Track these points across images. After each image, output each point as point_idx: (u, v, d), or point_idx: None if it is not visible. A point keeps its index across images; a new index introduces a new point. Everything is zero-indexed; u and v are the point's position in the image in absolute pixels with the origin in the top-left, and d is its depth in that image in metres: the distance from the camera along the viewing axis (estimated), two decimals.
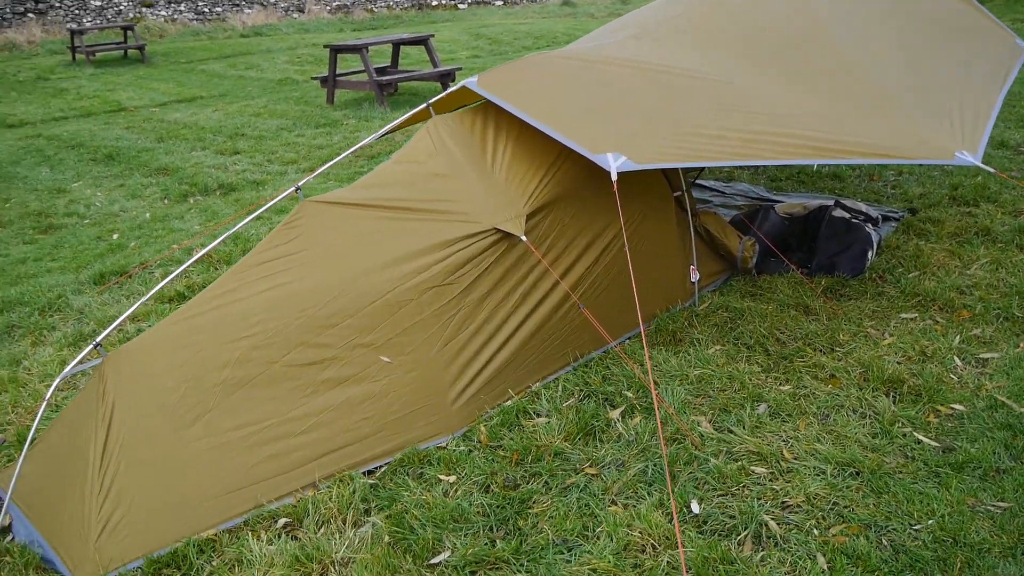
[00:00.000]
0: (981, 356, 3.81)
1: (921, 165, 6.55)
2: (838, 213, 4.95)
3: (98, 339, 3.10)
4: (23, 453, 3.08)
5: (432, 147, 3.79)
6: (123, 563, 2.75)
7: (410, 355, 3.39)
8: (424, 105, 3.99)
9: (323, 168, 4.04)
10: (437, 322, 3.45)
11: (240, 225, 4.04)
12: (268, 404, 3.12)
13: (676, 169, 4.36)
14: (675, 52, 4.55)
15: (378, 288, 3.39)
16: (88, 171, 8.56)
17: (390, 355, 3.36)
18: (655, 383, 3.66)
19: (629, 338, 4.12)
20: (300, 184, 3.67)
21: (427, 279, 3.45)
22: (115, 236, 6.36)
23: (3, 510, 3.03)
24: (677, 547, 2.67)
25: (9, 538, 2.99)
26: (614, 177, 3.37)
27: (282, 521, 2.92)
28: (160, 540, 2.81)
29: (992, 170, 3.70)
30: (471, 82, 3.98)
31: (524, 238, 3.59)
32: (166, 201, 7.28)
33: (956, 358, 3.79)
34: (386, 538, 2.79)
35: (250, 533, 2.87)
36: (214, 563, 2.76)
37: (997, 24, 5.75)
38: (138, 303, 3.41)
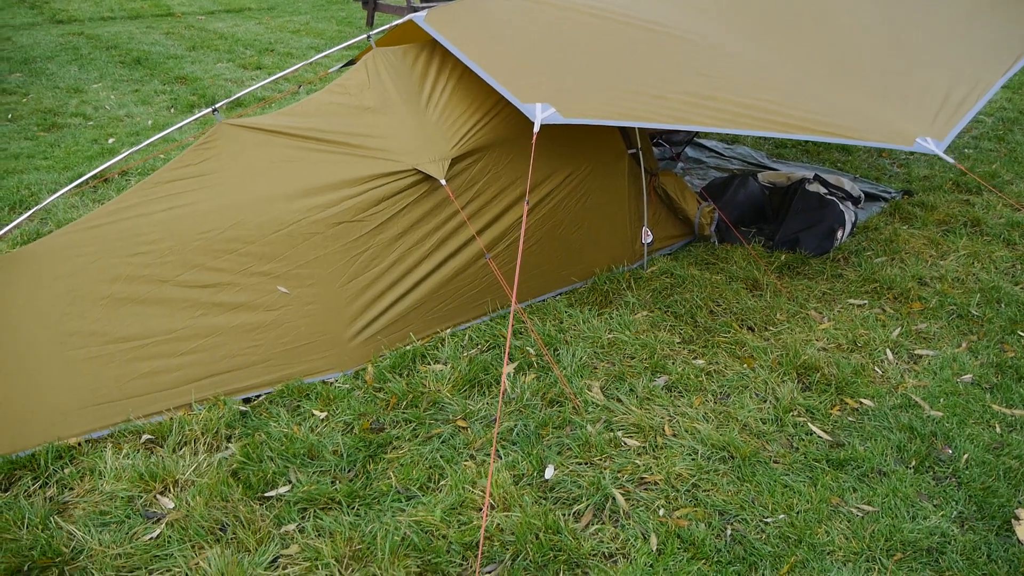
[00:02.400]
0: (916, 352, 3.63)
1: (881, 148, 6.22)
2: (812, 188, 4.73)
3: None
4: None
5: (366, 80, 3.71)
6: None
7: (310, 288, 3.37)
8: (363, 36, 3.89)
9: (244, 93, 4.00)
10: (343, 258, 3.42)
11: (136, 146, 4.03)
12: (153, 321, 3.15)
13: (634, 127, 4.20)
14: (652, 3, 4.34)
15: (284, 217, 3.36)
16: (111, 73, 8.66)
17: (289, 286, 3.35)
18: (562, 344, 3.59)
19: (561, 293, 4.04)
20: (217, 106, 3.62)
21: (336, 213, 3.41)
22: (111, 140, 6.45)
23: None
24: (513, 510, 2.64)
25: None
26: (536, 128, 3.26)
27: (145, 438, 2.97)
28: (23, 442, 2.89)
29: (951, 160, 3.48)
30: (418, 16, 3.87)
31: (444, 182, 3.51)
32: (172, 111, 7.34)
33: (888, 351, 3.63)
34: (234, 466, 2.82)
35: (110, 445, 2.93)
36: (66, 470, 2.82)
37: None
38: (34, 209, 3.45)
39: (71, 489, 2.77)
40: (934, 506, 2.73)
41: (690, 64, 3.75)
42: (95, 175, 5.28)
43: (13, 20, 11.72)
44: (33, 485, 2.79)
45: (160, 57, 9.38)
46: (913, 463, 2.92)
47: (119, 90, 8.00)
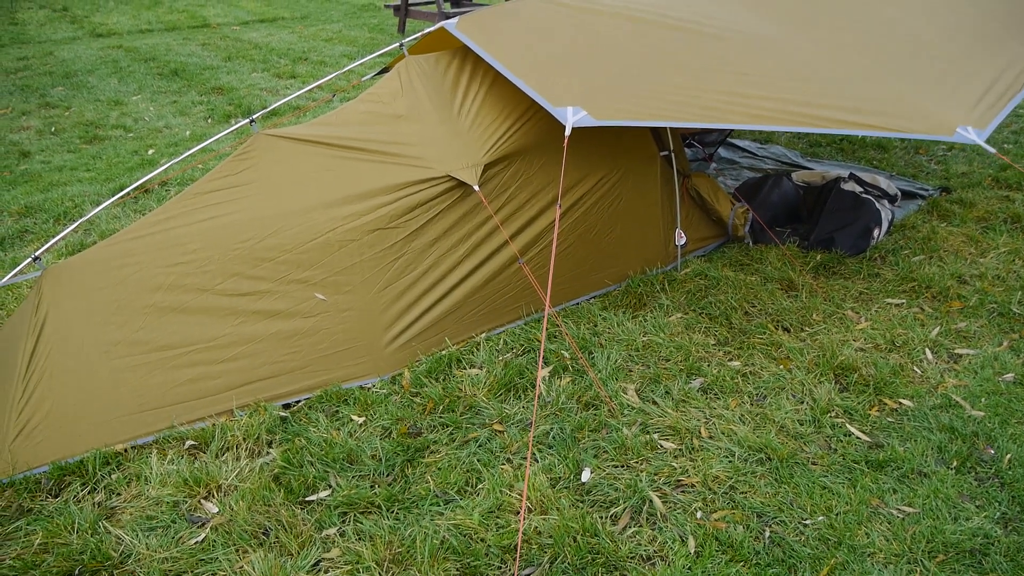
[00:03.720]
0: (956, 351, 3.59)
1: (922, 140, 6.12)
2: (848, 187, 4.69)
3: (37, 253, 3.24)
4: None
5: (399, 88, 3.75)
6: (31, 466, 2.92)
7: (347, 295, 3.42)
8: (395, 44, 3.93)
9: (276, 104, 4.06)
10: (378, 265, 3.46)
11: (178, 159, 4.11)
12: (195, 329, 3.22)
13: (666, 128, 4.20)
14: (684, 1, 4.34)
15: (320, 226, 3.42)
16: (150, 85, 8.84)
17: (326, 293, 3.40)
18: (596, 347, 3.60)
19: (594, 296, 4.05)
20: (253, 117, 3.69)
21: (372, 220, 3.46)
22: (151, 152, 6.58)
23: None
24: (550, 513, 2.65)
25: None
26: (568, 132, 3.27)
27: (188, 443, 3.03)
28: (71, 448, 2.97)
29: (992, 150, 3.43)
30: (450, 24, 3.91)
31: (477, 188, 3.54)
32: (209, 121, 7.46)
33: (928, 351, 3.59)
34: (275, 471, 2.87)
35: (156, 451, 2.99)
36: (114, 476, 2.90)
37: None
38: (79, 221, 3.53)
39: (118, 494, 2.84)
40: (976, 507, 2.70)
41: (723, 62, 3.74)
42: (136, 186, 5.40)
43: (55, 35, 11.99)
44: (82, 491, 2.86)
45: (197, 68, 9.54)
46: (954, 464, 2.89)
47: (158, 101, 8.16)
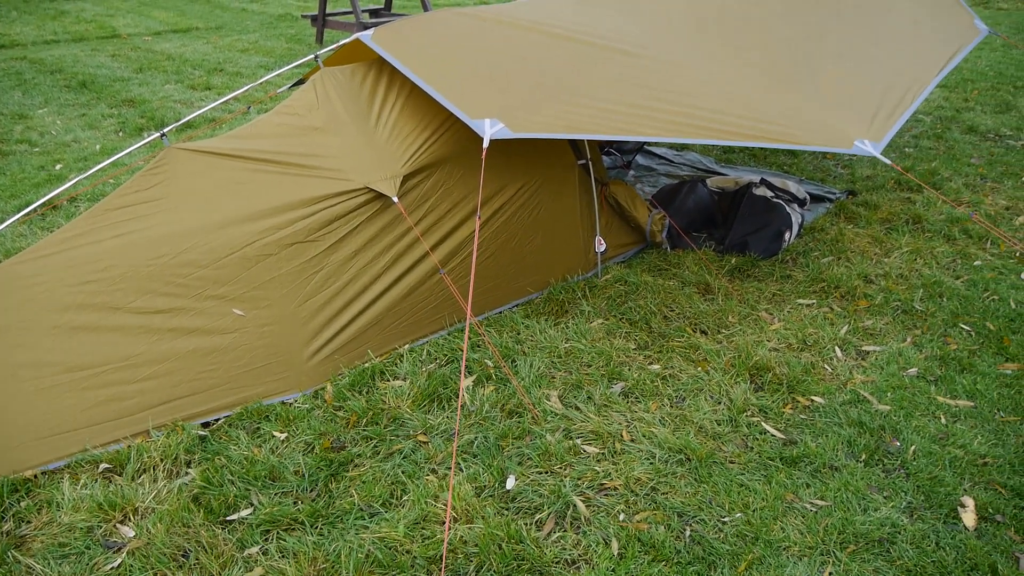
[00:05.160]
0: (863, 348, 3.74)
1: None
2: (759, 191, 4.84)
3: None
4: None
5: (314, 100, 3.72)
6: None
7: (265, 310, 3.37)
8: (311, 56, 3.91)
9: (191, 116, 4.00)
10: (297, 279, 3.43)
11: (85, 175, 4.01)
12: (107, 349, 3.13)
13: (583, 139, 4.27)
14: (597, 16, 4.42)
15: (236, 240, 3.36)
16: (57, 98, 8.55)
17: (245, 308, 3.34)
18: (519, 355, 3.63)
19: (517, 304, 4.08)
20: (166, 130, 3.61)
21: (290, 234, 3.42)
22: (58, 167, 6.37)
23: None
24: (476, 521, 2.67)
25: None
26: (486, 144, 3.30)
27: (103, 467, 2.94)
28: None
29: (888, 161, 3.59)
30: (365, 35, 3.90)
31: (396, 199, 3.54)
32: (120, 134, 7.26)
33: (837, 348, 3.73)
34: (195, 491, 2.81)
35: (68, 476, 2.90)
36: (23, 503, 2.79)
37: (958, 3, 5.55)
38: None
39: (28, 522, 2.74)
40: (884, 498, 2.81)
41: (635, 77, 3.83)
42: (43, 203, 5.22)
43: None
44: None
45: (106, 80, 9.27)
46: (863, 457, 3.01)
47: (65, 115, 7.90)
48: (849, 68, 4.28)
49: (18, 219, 5.11)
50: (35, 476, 2.90)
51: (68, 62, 10.36)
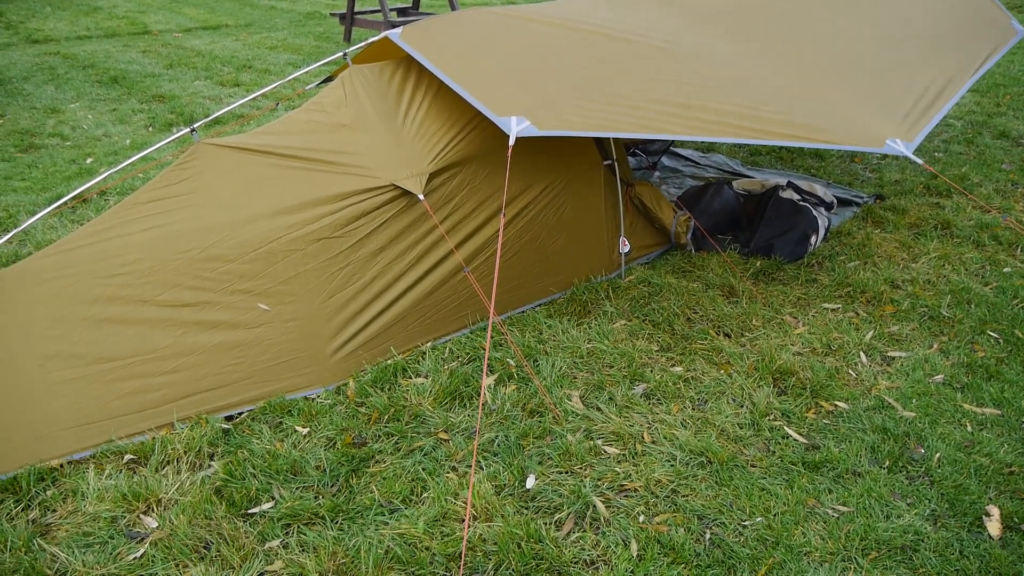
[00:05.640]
0: (889, 354, 3.70)
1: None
2: (786, 194, 4.81)
3: None
4: None
5: (343, 97, 3.74)
6: None
7: (291, 305, 3.40)
8: (339, 54, 3.93)
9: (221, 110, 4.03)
10: (323, 274, 3.45)
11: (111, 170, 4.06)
12: (134, 341, 3.16)
13: (608, 137, 4.26)
14: (631, 11, 4.41)
15: (263, 235, 3.39)
16: (89, 92, 8.66)
17: (270, 303, 3.37)
18: (541, 355, 3.63)
19: (540, 304, 4.08)
20: (195, 125, 3.65)
21: (316, 230, 3.45)
22: (89, 160, 6.45)
23: None
24: (495, 520, 2.67)
25: None
26: (511, 141, 3.30)
27: (127, 458, 2.98)
28: (5, 465, 2.89)
29: (920, 161, 3.55)
30: (393, 33, 3.92)
31: (422, 197, 3.55)
32: (150, 129, 7.34)
33: (862, 354, 3.69)
34: (217, 484, 2.84)
35: (93, 466, 2.94)
36: (49, 492, 2.83)
37: (994, 4, 5.47)
38: (13, 231, 3.45)
39: (54, 511, 2.78)
40: (907, 505, 2.78)
41: (665, 73, 3.81)
42: (74, 196, 5.29)
43: None
44: (15, 508, 2.79)
45: (137, 76, 9.38)
46: (887, 463, 2.98)
47: (96, 109, 8.00)
48: (882, 67, 4.24)
49: (49, 212, 5.19)
50: (61, 465, 2.94)
51: (100, 57, 10.49)
